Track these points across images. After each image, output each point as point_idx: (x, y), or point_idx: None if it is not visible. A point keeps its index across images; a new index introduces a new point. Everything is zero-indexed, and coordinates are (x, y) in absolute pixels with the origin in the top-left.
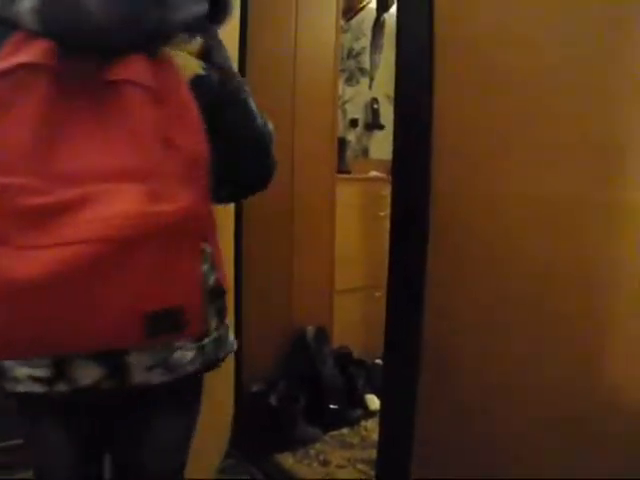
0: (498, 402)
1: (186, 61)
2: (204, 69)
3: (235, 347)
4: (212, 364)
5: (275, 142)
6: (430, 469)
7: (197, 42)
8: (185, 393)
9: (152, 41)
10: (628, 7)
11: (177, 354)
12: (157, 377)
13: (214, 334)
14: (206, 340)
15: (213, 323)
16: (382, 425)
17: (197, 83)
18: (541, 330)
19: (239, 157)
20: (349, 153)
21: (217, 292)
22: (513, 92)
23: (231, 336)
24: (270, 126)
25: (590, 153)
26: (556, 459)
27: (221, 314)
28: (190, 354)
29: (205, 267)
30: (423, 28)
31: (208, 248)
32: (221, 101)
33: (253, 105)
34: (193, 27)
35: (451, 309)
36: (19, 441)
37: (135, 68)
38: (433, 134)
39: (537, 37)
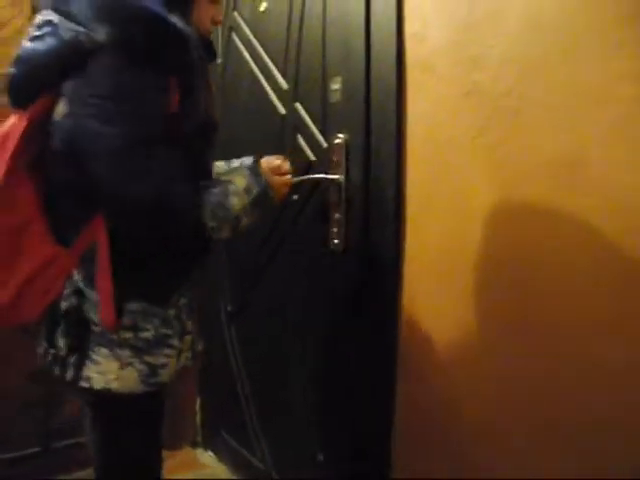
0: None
1: None
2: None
3: (85, 385)
4: (59, 382)
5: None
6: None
7: None
8: (92, 405)
9: None
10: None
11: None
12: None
13: (60, 354)
14: (53, 353)
15: (60, 342)
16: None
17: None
18: (518, 335)
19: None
20: None
21: (70, 318)
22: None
23: (86, 373)
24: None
25: (554, 162)
26: (534, 459)
27: (71, 341)
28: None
29: (67, 290)
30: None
31: (77, 275)
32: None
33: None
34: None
35: (426, 314)
36: (25, 452)
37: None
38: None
39: (509, 52)
